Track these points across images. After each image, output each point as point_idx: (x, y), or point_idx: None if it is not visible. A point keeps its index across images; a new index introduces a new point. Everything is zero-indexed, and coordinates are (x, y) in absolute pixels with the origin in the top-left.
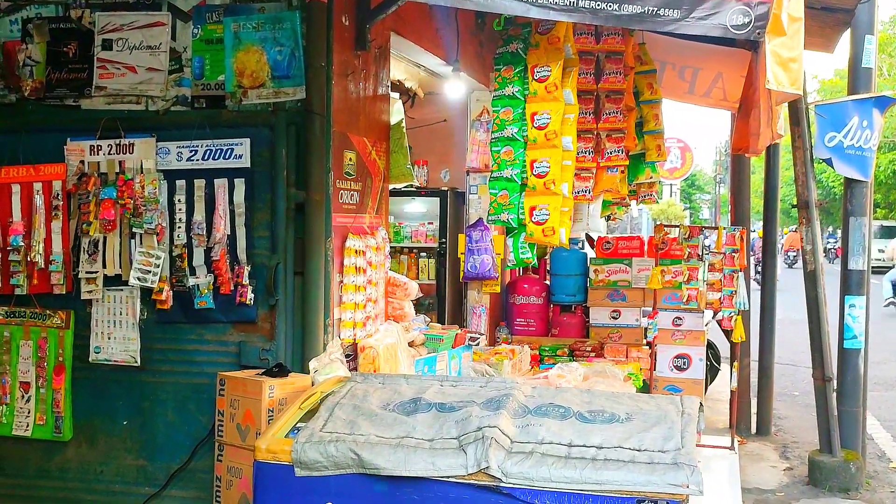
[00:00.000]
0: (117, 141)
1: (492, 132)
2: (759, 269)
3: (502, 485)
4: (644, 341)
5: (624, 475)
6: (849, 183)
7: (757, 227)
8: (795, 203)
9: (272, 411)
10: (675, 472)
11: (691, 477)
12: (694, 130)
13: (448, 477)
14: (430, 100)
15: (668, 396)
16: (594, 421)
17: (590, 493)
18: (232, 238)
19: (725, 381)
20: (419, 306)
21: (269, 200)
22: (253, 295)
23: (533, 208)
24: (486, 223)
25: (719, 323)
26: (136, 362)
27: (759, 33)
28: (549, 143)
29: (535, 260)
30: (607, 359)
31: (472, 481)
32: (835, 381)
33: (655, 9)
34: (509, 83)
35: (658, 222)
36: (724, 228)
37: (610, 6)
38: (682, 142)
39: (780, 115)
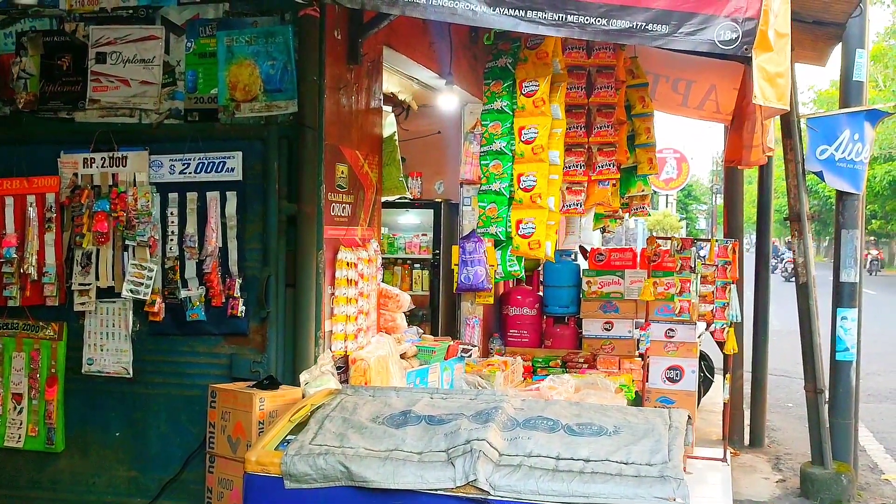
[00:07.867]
0: (111, 154)
1: (481, 146)
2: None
3: (490, 497)
4: (637, 353)
5: (611, 488)
6: (841, 196)
7: (751, 238)
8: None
9: (263, 423)
10: (662, 486)
11: (678, 490)
12: (691, 140)
13: (436, 490)
14: (424, 112)
15: (656, 409)
16: (582, 434)
17: None
18: (224, 251)
19: (719, 392)
20: (413, 317)
21: (260, 213)
22: (244, 307)
23: (519, 221)
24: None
25: (712, 334)
26: (129, 374)
27: (746, 49)
28: (535, 157)
29: (523, 272)
30: (600, 370)
31: (460, 494)
32: (827, 394)
33: (644, 24)
34: (498, 97)
35: (653, 233)
36: (717, 241)
37: (598, 21)
38: (679, 152)
39: (770, 129)
